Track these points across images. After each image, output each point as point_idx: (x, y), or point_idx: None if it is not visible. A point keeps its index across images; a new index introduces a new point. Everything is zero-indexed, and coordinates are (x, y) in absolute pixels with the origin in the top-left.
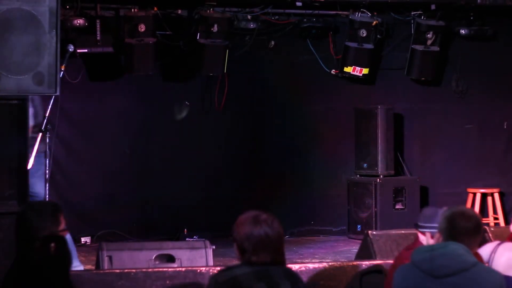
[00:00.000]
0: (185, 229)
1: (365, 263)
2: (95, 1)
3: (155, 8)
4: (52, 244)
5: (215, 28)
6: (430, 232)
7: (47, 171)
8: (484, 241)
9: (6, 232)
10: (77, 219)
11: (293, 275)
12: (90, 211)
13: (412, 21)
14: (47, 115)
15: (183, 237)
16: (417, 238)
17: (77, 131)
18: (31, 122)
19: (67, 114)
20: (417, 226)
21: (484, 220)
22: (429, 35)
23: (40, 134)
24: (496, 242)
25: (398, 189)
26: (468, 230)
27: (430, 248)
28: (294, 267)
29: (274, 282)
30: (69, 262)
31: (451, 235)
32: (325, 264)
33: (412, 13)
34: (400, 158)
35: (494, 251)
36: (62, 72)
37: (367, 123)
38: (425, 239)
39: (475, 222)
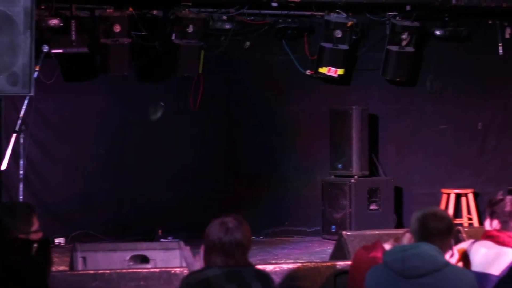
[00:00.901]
0: (160, 230)
1: (340, 264)
2: (70, 1)
3: (130, 9)
4: (34, 246)
5: (191, 29)
6: None
7: (21, 171)
8: (458, 242)
9: None
10: (51, 219)
11: (265, 276)
12: (65, 211)
13: (387, 22)
14: (21, 115)
15: (158, 238)
16: (377, 240)
17: (52, 131)
18: None
19: (42, 115)
20: None
21: (458, 221)
22: (404, 36)
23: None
24: (470, 241)
25: (372, 189)
26: (440, 231)
27: (402, 248)
28: (268, 267)
29: (245, 283)
30: (48, 266)
31: (423, 236)
32: (299, 265)
33: (387, 13)
34: (374, 158)
35: (468, 250)
36: (36, 73)
37: (342, 123)
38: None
39: (447, 222)
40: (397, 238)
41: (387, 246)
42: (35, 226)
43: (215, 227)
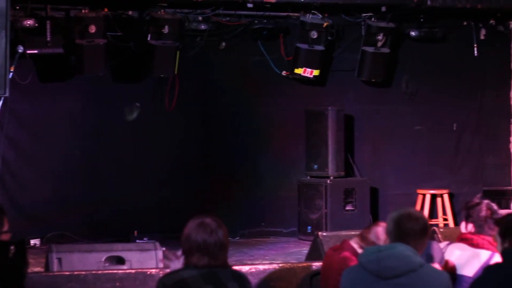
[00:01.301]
0: (136, 231)
1: (315, 264)
2: (45, 2)
3: (106, 9)
4: (12, 248)
5: (166, 29)
6: None
7: None
8: None
9: None
10: (27, 220)
11: (241, 276)
12: (40, 212)
13: (362, 23)
14: None
15: (134, 239)
16: (345, 240)
17: (27, 132)
18: None
19: (17, 115)
20: None
21: (434, 221)
22: (379, 37)
23: None
24: (445, 243)
25: (348, 190)
26: (415, 232)
27: (377, 249)
28: (244, 268)
29: (222, 284)
30: (25, 267)
31: (398, 237)
32: (275, 266)
33: (363, 15)
34: (350, 159)
35: (443, 251)
36: (11, 73)
37: (318, 124)
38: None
39: (422, 223)
40: (363, 238)
41: (353, 244)
42: (6, 227)
43: (197, 228)
